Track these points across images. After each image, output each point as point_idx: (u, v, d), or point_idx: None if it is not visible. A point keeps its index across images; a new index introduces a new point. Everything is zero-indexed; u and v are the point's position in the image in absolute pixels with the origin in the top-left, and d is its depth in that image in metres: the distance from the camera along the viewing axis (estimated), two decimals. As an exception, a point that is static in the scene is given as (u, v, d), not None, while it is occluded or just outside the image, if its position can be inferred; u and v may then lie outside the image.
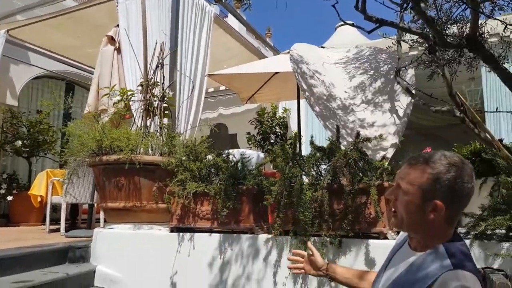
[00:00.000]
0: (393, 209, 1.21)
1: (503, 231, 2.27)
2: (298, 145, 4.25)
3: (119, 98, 3.90)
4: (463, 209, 1.16)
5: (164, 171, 3.32)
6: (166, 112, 3.96)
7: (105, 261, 3.37)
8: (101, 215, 4.52)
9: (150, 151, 3.68)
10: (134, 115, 4.17)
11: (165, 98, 3.90)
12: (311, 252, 1.67)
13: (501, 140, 2.91)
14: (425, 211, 1.10)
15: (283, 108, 6.13)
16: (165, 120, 4.00)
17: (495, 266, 2.15)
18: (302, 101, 4.95)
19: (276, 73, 5.18)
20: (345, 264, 2.45)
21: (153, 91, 3.89)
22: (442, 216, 1.10)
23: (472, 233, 2.25)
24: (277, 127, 5.62)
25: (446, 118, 6.32)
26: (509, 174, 2.36)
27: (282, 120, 5.70)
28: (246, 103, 5.62)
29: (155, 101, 3.87)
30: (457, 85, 5.84)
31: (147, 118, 3.86)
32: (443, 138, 6.65)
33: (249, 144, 5.59)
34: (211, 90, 7.25)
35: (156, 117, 3.87)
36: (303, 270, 1.68)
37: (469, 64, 2.99)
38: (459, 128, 3.81)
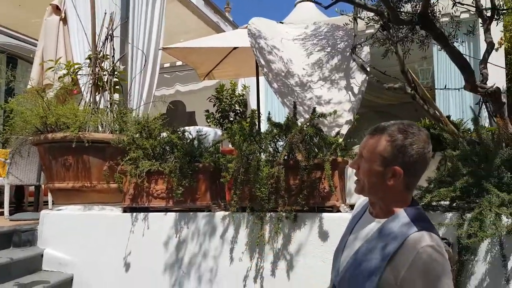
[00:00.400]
0: (356, 179, 1.25)
1: (447, 202, 2.40)
2: (256, 122, 4.23)
3: (65, 72, 3.65)
4: (421, 175, 1.20)
5: (115, 149, 3.18)
6: (117, 87, 3.77)
7: (53, 244, 3.22)
8: (49, 197, 4.30)
9: (100, 128, 3.50)
10: (82, 90, 3.93)
11: (116, 72, 3.70)
12: None
13: (448, 117, 3.04)
14: (385, 177, 1.14)
15: (243, 85, 6.03)
16: (116, 96, 3.81)
17: (439, 235, 2.26)
18: (262, 78, 4.90)
19: (235, 48, 5.07)
20: (300, 237, 2.50)
21: (103, 65, 3.67)
22: (401, 182, 1.14)
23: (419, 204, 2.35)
24: (236, 105, 5.53)
25: (399, 96, 6.55)
26: (454, 148, 2.47)
27: (241, 97, 5.61)
28: (204, 79, 5.47)
29: (105, 75, 3.67)
30: (410, 64, 6.03)
31: (96, 94, 3.66)
32: (396, 116, 6.90)
33: (208, 122, 5.48)
34: (167, 65, 6.99)
35: (106, 92, 3.67)
36: None
37: (421, 42, 3.07)
38: (411, 106, 3.94)
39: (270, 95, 5.80)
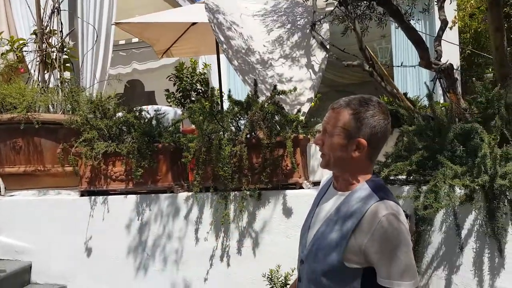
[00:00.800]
0: (321, 153, 1.26)
1: (404, 176, 2.49)
2: (218, 100, 4.15)
3: (7, 48, 3.37)
4: (382, 146, 1.24)
5: (69, 130, 3.01)
6: (67, 64, 3.54)
7: (6, 231, 3.05)
8: (1, 183, 4.04)
9: (51, 109, 3.30)
10: (30, 68, 3.66)
11: (65, 49, 3.47)
12: None
13: (405, 94, 3.13)
14: (350, 150, 1.17)
15: (203, 64, 5.87)
16: (67, 74, 3.58)
17: (400, 205, 2.36)
18: (222, 56, 4.78)
19: (193, 24, 4.89)
20: (264, 214, 2.52)
21: (50, 41, 3.42)
22: (365, 153, 1.18)
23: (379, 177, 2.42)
24: (198, 84, 5.38)
25: (360, 75, 6.67)
26: (410, 124, 2.55)
27: (202, 76, 5.46)
28: (162, 57, 5.25)
29: (53, 52, 3.42)
30: (369, 43, 6.12)
31: (45, 72, 3.42)
32: (357, 95, 7.03)
33: (169, 102, 5.30)
34: (122, 42, 6.64)
35: (56, 70, 3.44)
36: None
37: (379, 19, 3.10)
38: (372, 85, 4.02)
39: (233, 74, 5.70)
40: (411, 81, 5.24)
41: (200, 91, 5.12)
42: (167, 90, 5.21)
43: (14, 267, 2.84)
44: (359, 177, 1.22)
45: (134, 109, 2.79)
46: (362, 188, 1.19)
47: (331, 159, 1.22)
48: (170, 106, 4.96)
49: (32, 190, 3.26)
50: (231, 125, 2.53)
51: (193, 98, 5.27)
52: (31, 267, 2.96)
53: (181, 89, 5.15)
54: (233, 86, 5.57)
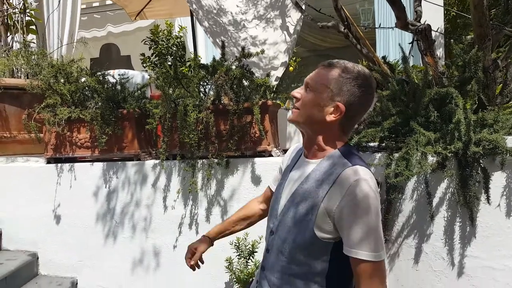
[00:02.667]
0: (294, 107, 1.21)
1: (376, 143, 2.42)
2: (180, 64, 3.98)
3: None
4: (358, 120, 1.20)
5: (33, 96, 2.88)
6: (31, 27, 3.34)
7: (-27, 199, 2.99)
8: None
9: (16, 73, 3.14)
10: (-9, 31, 3.46)
11: (28, 10, 3.26)
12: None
13: (384, 57, 3.01)
14: (326, 111, 1.13)
15: (179, 26, 5.63)
16: (32, 37, 3.39)
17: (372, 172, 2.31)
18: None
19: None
20: (233, 182, 2.46)
21: (11, 2, 3.20)
22: (339, 120, 1.13)
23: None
24: (174, 47, 5.18)
25: (342, 39, 6.47)
26: (385, 89, 2.45)
27: (179, 39, 5.25)
28: (135, 19, 5.01)
29: (15, 13, 3.22)
30: (352, 5, 5.90)
31: (7, 35, 3.23)
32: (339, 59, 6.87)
33: (144, 67, 5.11)
34: (96, 4, 6.32)
35: (19, 33, 3.25)
36: (200, 264, 1.68)
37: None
38: (355, 50, 3.88)
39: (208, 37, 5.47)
40: (393, 44, 5.09)
41: (177, 55, 4.92)
42: (143, 54, 5.00)
43: (-17, 234, 2.80)
44: (330, 144, 1.18)
45: (98, 73, 2.65)
46: (334, 155, 1.15)
47: (303, 115, 1.17)
48: (146, 71, 4.78)
49: (0, 157, 3.16)
50: (197, 90, 2.41)
51: (169, 63, 5.08)
52: (1, 234, 2.93)
53: (156, 53, 4.95)
54: (211, 49, 5.36)
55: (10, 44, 3.23)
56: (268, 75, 2.37)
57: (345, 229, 1.06)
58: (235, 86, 2.31)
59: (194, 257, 1.58)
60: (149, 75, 3.38)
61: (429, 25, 2.36)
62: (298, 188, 1.19)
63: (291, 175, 1.28)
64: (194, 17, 4.42)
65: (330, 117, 1.13)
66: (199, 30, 5.01)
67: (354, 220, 1.04)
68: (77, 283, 2.80)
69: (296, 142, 3.21)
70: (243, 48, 2.30)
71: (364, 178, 1.06)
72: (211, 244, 1.64)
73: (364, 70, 1.16)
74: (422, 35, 2.36)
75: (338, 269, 1.13)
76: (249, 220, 1.62)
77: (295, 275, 1.15)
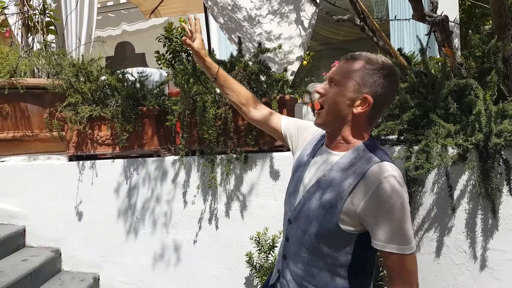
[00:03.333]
0: (318, 108, 1.20)
1: (395, 136, 2.41)
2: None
3: (-14, 10, 3.24)
4: (384, 109, 1.20)
5: (54, 95, 2.95)
6: (51, 27, 3.40)
7: (0, 196, 3.06)
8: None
9: (36, 73, 3.21)
10: (13, 32, 3.54)
11: (47, 11, 3.32)
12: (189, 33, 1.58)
13: (400, 49, 2.98)
14: (353, 104, 1.12)
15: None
16: (51, 37, 3.45)
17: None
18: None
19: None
20: (251, 177, 2.48)
21: (31, 3, 3.27)
22: (367, 112, 1.13)
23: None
24: (188, 45, 5.20)
25: (356, 31, 6.43)
26: (403, 81, 2.44)
27: (192, 36, 5.26)
28: (149, 17, 5.06)
29: (35, 14, 3.28)
30: (365, -3, 5.85)
31: (28, 35, 3.30)
32: (360, 52, 6.82)
33: (159, 64, 5.16)
34: (110, 3, 6.39)
35: (39, 33, 3.31)
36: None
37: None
38: (369, 42, 3.86)
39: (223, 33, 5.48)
40: (408, 36, 5.03)
41: (190, 51, 4.95)
42: (157, 52, 5.04)
43: (9, 231, 2.89)
44: (356, 137, 1.16)
45: (117, 71, 2.69)
46: (359, 148, 1.14)
47: (329, 114, 1.16)
48: (161, 68, 4.82)
49: (22, 155, 3.24)
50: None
51: (184, 60, 5.10)
52: (25, 231, 3.01)
53: (171, 50, 4.98)
54: (224, 45, 5.36)
55: (31, 44, 3.30)
56: (285, 70, 2.38)
57: (374, 225, 1.06)
58: (252, 81, 2.32)
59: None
60: (166, 72, 3.42)
61: (446, 16, 2.34)
62: (321, 179, 1.17)
63: (312, 164, 1.25)
64: (208, 14, 4.44)
65: (358, 110, 1.12)
66: (212, 26, 5.03)
67: (384, 216, 1.04)
68: (99, 279, 2.86)
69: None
70: (259, 44, 2.31)
71: (393, 174, 1.05)
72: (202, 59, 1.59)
73: (388, 60, 1.16)
74: (440, 26, 2.33)
75: (361, 261, 1.14)
76: (235, 95, 1.57)
77: (318, 267, 1.16)
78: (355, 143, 1.16)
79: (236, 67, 2.24)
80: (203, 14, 4.51)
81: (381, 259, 1.41)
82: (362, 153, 1.13)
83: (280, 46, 2.24)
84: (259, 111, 1.56)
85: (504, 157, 2.03)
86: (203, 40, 1.61)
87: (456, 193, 2.13)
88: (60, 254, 2.94)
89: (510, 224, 2.01)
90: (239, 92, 1.58)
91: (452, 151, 2.13)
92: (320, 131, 1.36)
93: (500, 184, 2.02)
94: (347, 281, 1.14)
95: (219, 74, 1.59)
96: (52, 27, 3.48)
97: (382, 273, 2.14)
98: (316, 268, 1.16)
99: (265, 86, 2.41)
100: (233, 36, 2.86)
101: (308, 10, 3.01)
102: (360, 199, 1.06)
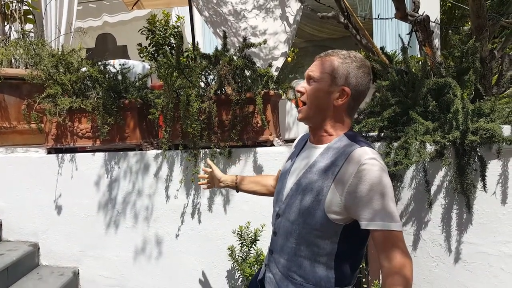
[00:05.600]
0: (301, 105, 1.27)
1: (376, 133, 2.46)
2: (193, 55, 3.97)
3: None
4: (362, 100, 1.25)
5: (32, 86, 2.87)
6: (29, 16, 3.31)
7: (-27, 189, 2.98)
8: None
9: (15, 63, 3.12)
10: (-12, 20, 3.42)
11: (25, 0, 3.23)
12: (211, 169, 1.81)
13: (382, 48, 3.04)
14: (333, 97, 1.19)
15: (177, 16, 5.59)
16: (30, 27, 3.36)
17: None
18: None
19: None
20: (235, 172, 2.49)
21: (8, -10, 3.17)
22: (346, 104, 1.20)
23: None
24: (171, 38, 5.14)
25: (340, 29, 6.48)
26: (384, 79, 2.48)
27: (176, 29, 5.21)
28: (132, 8, 4.97)
29: (12, 2, 3.18)
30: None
31: (5, 24, 3.20)
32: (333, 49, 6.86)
33: (141, 57, 5.08)
34: (92, -7, 6.26)
35: (16, 22, 3.21)
36: (210, 184, 1.85)
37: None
38: (352, 40, 3.91)
39: (208, 27, 5.44)
40: (390, 35, 5.11)
41: (174, 45, 4.87)
42: (140, 44, 4.96)
43: (-17, 225, 2.81)
44: (337, 129, 1.22)
45: (99, 63, 2.64)
46: (340, 140, 1.20)
47: (311, 109, 1.23)
48: (143, 61, 4.75)
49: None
50: (199, 80, 2.42)
51: (167, 53, 5.02)
52: (1, 224, 2.94)
53: (154, 43, 4.91)
54: (208, 40, 5.33)
55: (8, 33, 3.20)
56: (270, 65, 2.39)
57: (358, 206, 1.09)
58: (237, 76, 2.32)
59: (205, 180, 1.74)
60: (149, 65, 3.38)
61: (427, 16, 2.39)
62: (306, 172, 1.22)
63: (297, 160, 1.32)
64: (192, 7, 4.40)
65: (337, 102, 1.19)
66: (197, 20, 4.98)
67: (366, 195, 1.07)
68: (78, 273, 2.82)
69: (295, 132, 3.24)
70: (244, 38, 2.31)
71: (373, 157, 1.10)
72: (235, 185, 1.74)
73: (358, 54, 1.24)
74: (421, 25, 2.39)
75: (346, 250, 1.16)
76: (263, 187, 1.70)
77: (303, 256, 1.19)
78: (337, 135, 1.22)
79: (221, 61, 2.23)
80: (188, 7, 4.46)
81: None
82: (344, 142, 1.18)
83: (265, 41, 2.25)
84: (274, 182, 1.68)
85: (479, 154, 2.10)
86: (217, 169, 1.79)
87: (433, 189, 2.20)
88: (39, 248, 2.88)
89: (484, 219, 2.09)
90: (261, 183, 1.71)
91: (430, 147, 2.19)
92: (301, 137, 1.45)
93: (475, 180, 2.09)
94: (332, 271, 1.16)
95: (239, 181, 1.75)
96: (31, 16, 3.38)
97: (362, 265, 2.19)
98: (302, 258, 1.19)
99: (250, 81, 2.42)
100: (218, 30, 2.84)
101: (293, 6, 3.03)
102: (344, 184, 1.10)
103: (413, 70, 2.41)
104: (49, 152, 2.85)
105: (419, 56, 3.34)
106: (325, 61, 1.21)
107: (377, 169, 1.08)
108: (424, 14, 2.38)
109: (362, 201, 1.08)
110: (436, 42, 4.80)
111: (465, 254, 2.13)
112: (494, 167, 2.08)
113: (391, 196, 1.09)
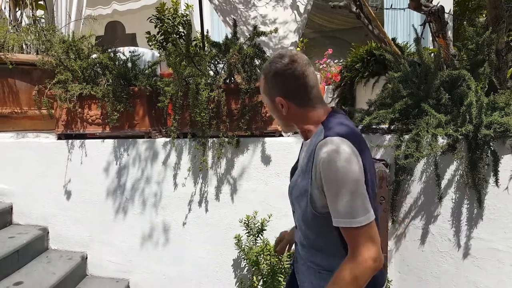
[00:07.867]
0: None
1: (387, 125, 2.43)
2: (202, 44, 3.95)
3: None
4: (304, 90, 1.18)
5: (43, 72, 2.88)
6: (40, 2, 3.31)
7: (-14, 174, 3.02)
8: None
9: (25, 49, 3.13)
10: (1, 5, 3.43)
11: (36, -15, 3.23)
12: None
13: (394, 39, 2.99)
14: (279, 110, 1.22)
15: (185, 4, 5.55)
16: (41, 13, 3.36)
17: (378, 156, 2.33)
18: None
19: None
20: (243, 161, 2.49)
21: (19, -25, 3.17)
22: (291, 106, 1.19)
23: (359, 126, 2.36)
24: (180, 26, 5.11)
25: (350, 20, 6.40)
26: (396, 70, 2.45)
27: (185, 18, 5.18)
28: (142, -4, 4.94)
29: (24, -13, 3.19)
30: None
31: (16, 9, 3.20)
32: (346, 41, 6.79)
33: (150, 45, 5.06)
34: (101, -19, 6.23)
35: (28, 8, 3.22)
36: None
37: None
38: (362, 30, 3.85)
39: (217, 16, 5.38)
40: (402, 26, 5.03)
41: (183, 33, 4.83)
42: (148, 33, 4.94)
43: (-5, 208, 2.84)
44: (313, 123, 1.21)
45: (109, 50, 2.64)
46: (317, 132, 1.19)
47: (279, 122, 1.29)
48: (152, 48, 4.73)
49: (10, 132, 3.19)
50: (209, 68, 2.40)
51: (181, 40, 4.99)
52: (12, 208, 2.98)
53: (162, 31, 4.88)
54: (217, 29, 5.28)
55: (19, 19, 3.20)
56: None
57: (329, 202, 1.09)
58: (247, 65, 2.30)
59: (280, 245, 1.60)
60: (159, 53, 3.36)
61: (442, 7, 2.34)
62: (298, 170, 1.25)
63: (299, 156, 1.35)
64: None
65: (285, 111, 1.21)
66: (205, 9, 4.94)
67: (330, 191, 1.07)
68: (87, 258, 2.86)
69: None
70: (254, 27, 2.29)
71: (333, 148, 1.06)
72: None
73: (277, 55, 1.21)
74: (435, 16, 2.34)
75: (340, 240, 1.16)
76: None
77: (316, 248, 1.23)
78: (315, 128, 1.21)
79: (230, 50, 2.21)
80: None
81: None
82: (318, 133, 1.17)
83: (276, 30, 2.22)
84: None
85: (492, 149, 2.06)
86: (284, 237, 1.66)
87: (444, 183, 2.17)
88: (48, 232, 2.92)
89: (495, 214, 2.06)
90: None
91: (442, 141, 2.16)
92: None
93: (487, 175, 2.06)
94: (343, 258, 1.16)
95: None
96: (41, 2, 3.38)
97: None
98: (315, 249, 1.24)
99: (259, 70, 2.40)
100: (227, 19, 2.82)
101: (304, -5, 2.99)
102: (316, 177, 1.11)
103: (426, 61, 2.36)
104: (59, 138, 2.87)
105: (431, 48, 3.28)
106: (259, 82, 1.30)
107: (334, 162, 1.05)
108: (438, 5, 2.33)
109: (328, 198, 1.09)
110: (449, 34, 4.71)
111: (474, 250, 2.11)
112: (507, 162, 2.04)
113: (351, 188, 1.05)
